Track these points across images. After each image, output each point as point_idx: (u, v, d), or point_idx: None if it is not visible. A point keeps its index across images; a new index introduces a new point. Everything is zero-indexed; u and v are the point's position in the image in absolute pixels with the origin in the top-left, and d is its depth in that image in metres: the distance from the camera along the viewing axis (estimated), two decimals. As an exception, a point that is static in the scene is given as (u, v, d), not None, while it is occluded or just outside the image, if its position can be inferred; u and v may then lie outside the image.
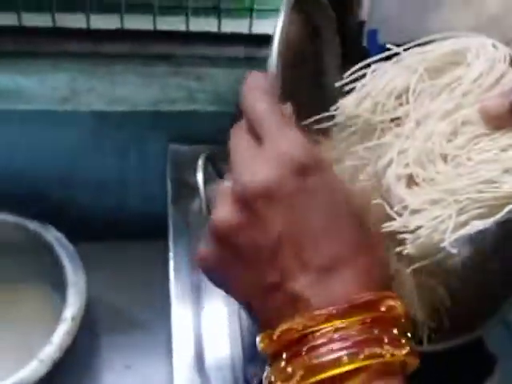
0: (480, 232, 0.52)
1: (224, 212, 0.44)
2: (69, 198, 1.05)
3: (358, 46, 0.98)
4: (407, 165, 0.55)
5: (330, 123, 0.60)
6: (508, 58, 0.57)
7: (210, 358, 0.70)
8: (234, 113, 0.77)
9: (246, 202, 0.44)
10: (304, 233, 0.44)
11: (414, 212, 0.54)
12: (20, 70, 0.95)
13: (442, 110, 0.56)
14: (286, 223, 0.44)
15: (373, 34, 1.00)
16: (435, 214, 0.53)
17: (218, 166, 0.68)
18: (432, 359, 0.59)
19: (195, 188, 0.72)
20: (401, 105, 0.59)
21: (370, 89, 0.59)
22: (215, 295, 0.76)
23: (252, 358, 0.69)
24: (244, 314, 0.72)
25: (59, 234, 0.94)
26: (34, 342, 0.85)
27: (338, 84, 0.60)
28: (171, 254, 0.80)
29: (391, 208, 0.55)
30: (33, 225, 0.94)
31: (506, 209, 0.51)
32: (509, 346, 0.75)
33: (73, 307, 0.85)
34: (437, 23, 0.96)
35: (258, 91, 0.49)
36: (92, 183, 1.03)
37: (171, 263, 0.79)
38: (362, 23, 0.99)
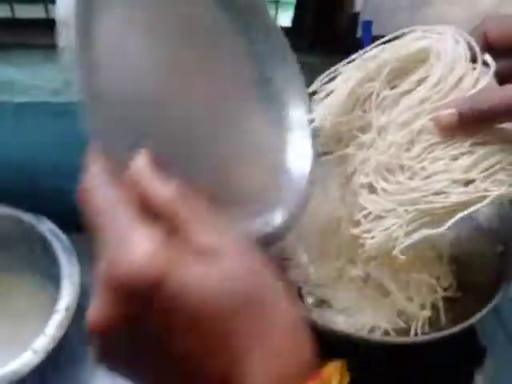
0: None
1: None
2: (63, 190, 1.07)
3: (352, 38, 1.01)
4: (367, 174, 0.60)
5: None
6: (469, 54, 0.60)
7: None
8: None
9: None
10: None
11: (374, 220, 0.60)
12: (12, 61, 0.98)
13: (400, 119, 0.60)
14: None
15: (367, 25, 1.02)
16: (389, 223, 0.58)
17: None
18: (422, 349, 0.64)
19: None
20: (364, 112, 0.63)
21: (334, 98, 0.63)
22: None
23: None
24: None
25: (53, 226, 0.96)
26: (28, 333, 0.86)
27: (311, 89, 0.65)
28: None
29: (356, 215, 0.61)
30: (27, 216, 0.96)
31: (452, 220, 0.57)
32: (499, 335, 0.78)
33: (66, 298, 0.87)
34: (430, 15, 0.98)
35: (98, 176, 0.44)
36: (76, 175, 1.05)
37: None
38: (356, 15, 1.01)
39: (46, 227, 0.94)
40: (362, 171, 0.61)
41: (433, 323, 0.71)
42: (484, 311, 0.62)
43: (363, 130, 0.63)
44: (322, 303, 0.74)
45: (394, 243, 0.58)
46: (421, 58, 0.62)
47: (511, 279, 0.64)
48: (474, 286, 0.67)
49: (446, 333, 0.63)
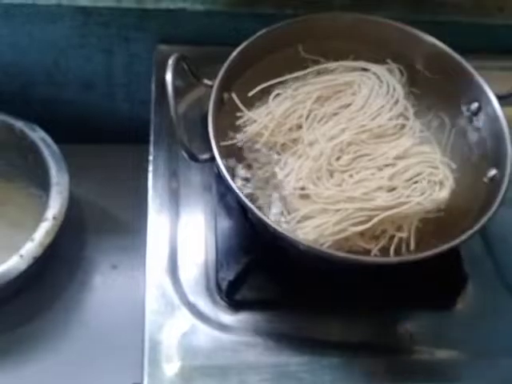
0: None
1: None
2: (54, 97, 1.09)
3: None
4: (300, 179, 0.69)
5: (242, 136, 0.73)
6: (391, 88, 0.75)
7: (183, 264, 0.76)
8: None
9: None
10: None
11: (305, 218, 0.68)
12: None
13: (330, 132, 0.71)
14: None
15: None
16: (320, 222, 0.66)
17: (194, 66, 0.74)
18: (404, 270, 0.70)
19: (181, 91, 0.79)
20: (299, 127, 0.73)
21: (273, 113, 0.73)
22: (193, 201, 0.81)
23: (224, 263, 0.74)
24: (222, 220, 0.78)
25: (45, 134, 0.97)
26: (19, 240, 0.88)
27: (250, 94, 0.74)
28: (151, 158, 0.83)
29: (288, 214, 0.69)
30: (18, 124, 0.97)
31: (376, 219, 0.66)
32: (487, 265, 0.81)
33: (55, 207, 0.90)
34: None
35: None
36: (77, 83, 1.07)
37: (150, 168, 0.83)
38: None
39: (38, 135, 0.96)
40: (295, 177, 0.69)
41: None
42: (465, 236, 0.65)
43: (297, 142, 0.72)
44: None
45: (326, 239, 0.66)
46: (345, 89, 0.75)
47: (499, 206, 0.67)
48: (462, 211, 0.70)
49: (424, 254, 0.65)
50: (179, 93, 0.84)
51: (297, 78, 0.78)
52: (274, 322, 0.74)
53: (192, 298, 0.74)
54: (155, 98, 0.90)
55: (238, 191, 0.64)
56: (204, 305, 0.74)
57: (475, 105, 0.77)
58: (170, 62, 0.67)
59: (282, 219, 0.68)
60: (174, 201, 0.82)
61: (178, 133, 0.64)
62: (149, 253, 0.77)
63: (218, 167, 0.66)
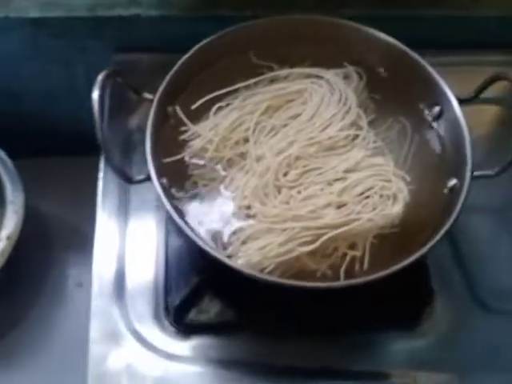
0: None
1: None
2: (14, 110, 1.08)
3: None
4: (246, 197, 0.66)
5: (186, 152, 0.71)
6: (344, 96, 0.72)
7: (131, 286, 0.74)
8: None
9: None
10: None
11: (250, 239, 0.65)
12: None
13: (278, 146, 0.68)
14: None
15: None
16: (264, 243, 0.64)
17: (129, 80, 0.72)
18: (366, 288, 0.65)
19: (136, 103, 0.79)
20: (246, 141, 0.70)
21: (218, 126, 0.71)
22: (144, 218, 0.79)
23: (174, 285, 0.73)
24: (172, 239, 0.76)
25: None
26: None
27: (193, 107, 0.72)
28: (101, 174, 0.82)
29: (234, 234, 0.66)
30: None
31: (323, 238, 0.64)
32: (457, 278, 0.78)
33: (9, 226, 0.89)
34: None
35: None
36: (37, 95, 1.06)
37: (100, 182, 0.81)
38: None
39: (-8, 152, 0.88)
40: (241, 194, 0.67)
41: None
42: (416, 256, 0.63)
43: (244, 156, 0.70)
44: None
45: (270, 261, 0.63)
46: (296, 98, 0.73)
47: (456, 219, 0.66)
48: (420, 224, 0.68)
49: (371, 277, 0.63)
50: (132, 105, 0.84)
51: (248, 87, 0.75)
52: (227, 348, 0.72)
53: (139, 325, 0.72)
54: (107, 111, 0.86)
55: (173, 213, 0.62)
56: (152, 331, 0.72)
57: (437, 109, 0.75)
58: (100, 78, 0.65)
59: (226, 239, 0.66)
60: (124, 219, 0.80)
61: (105, 154, 0.61)
62: (95, 276, 0.75)
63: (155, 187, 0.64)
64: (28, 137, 1.06)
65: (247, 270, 0.60)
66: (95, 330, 0.72)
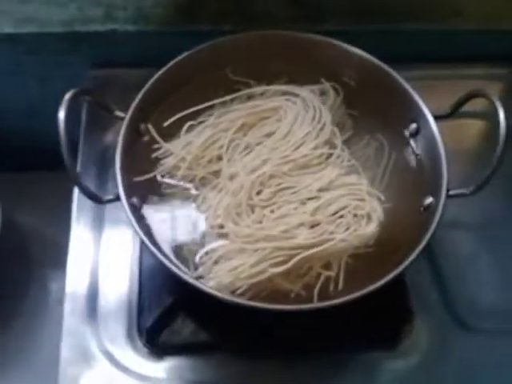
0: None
1: None
2: None
3: None
4: (219, 216, 0.66)
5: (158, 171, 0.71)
6: (318, 114, 0.72)
7: (103, 305, 0.73)
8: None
9: None
10: None
11: (222, 259, 0.65)
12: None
13: (252, 164, 0.68)
14: None
15: None
16: (236, 264, 0.63)
17: (107, 95, 0.72)
18: (349, 307, 0.63)
19: (113, 118, 0.74)
20: (220, 159, 0.70)
21: (191, 144, 0.71)
22: (119, 235, 0.78)
23: (147, 304, 0.71)
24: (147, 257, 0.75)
25: None
26: None
27: (166, 124, 0.72)
28: (76, 189, 0.79)
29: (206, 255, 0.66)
30: None
31: (296, 258, 0.63)
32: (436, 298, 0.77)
33: None
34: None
35: None
36: (17, 111, 1.06)
37: (75, 198, 0.80)
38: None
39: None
40: (213, 213, 0.66)
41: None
42: (388, 278, 0.62)
43: (217, 174, 0.69)
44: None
45: (242, 282, 0.63)
46: (271, 115, 0.73)
47: (430, 239, 0.65)
48: (396, 244, 0.67)
49: (341, 300, 0.62)
50: (109, 121, 0.83)
51: (224, 104, 0.75)
52: (201, 369, 0.70)
53: (111, 345, 0.71)
54: (84, 127, 0.88)
55: (141, 235, 0.61)
56: (125, 352, 0.71)
57: (413, 126, 0.74)
58: (66, 98, 0.64)
59: (197, 260, 0.65)
60: (98, 235, 0.79)
61: (72, 174, 0.60)
62: (67, 295, 0.74)
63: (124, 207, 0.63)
64: (7, 152, 1.06)
65: (216, 293, 0.59)
66: (67, 350, 0.71)
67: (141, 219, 0.66)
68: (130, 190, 0.66)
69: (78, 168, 0.84)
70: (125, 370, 0.70)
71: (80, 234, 0.79)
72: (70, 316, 0.73)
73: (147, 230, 0.65)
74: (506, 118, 0.66)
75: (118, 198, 0.63)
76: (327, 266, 0.66)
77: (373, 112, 0.77)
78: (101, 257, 0.77)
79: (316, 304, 0.61)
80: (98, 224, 0.79)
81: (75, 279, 0.76)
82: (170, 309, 0.71)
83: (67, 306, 0.74)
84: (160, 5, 0.90)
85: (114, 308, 0.74)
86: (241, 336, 0.72)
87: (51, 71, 0.99)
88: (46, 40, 0.93)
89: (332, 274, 0.66)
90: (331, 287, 0.65)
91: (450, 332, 0.76)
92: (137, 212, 0.65)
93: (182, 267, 0.63)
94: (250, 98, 0.76)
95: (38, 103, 1.06)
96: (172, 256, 0.64)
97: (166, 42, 0.92)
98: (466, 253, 0.82)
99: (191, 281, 0.60)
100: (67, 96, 0.64)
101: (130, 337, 0.72)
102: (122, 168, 0.66)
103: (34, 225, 1.08)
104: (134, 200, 0.66)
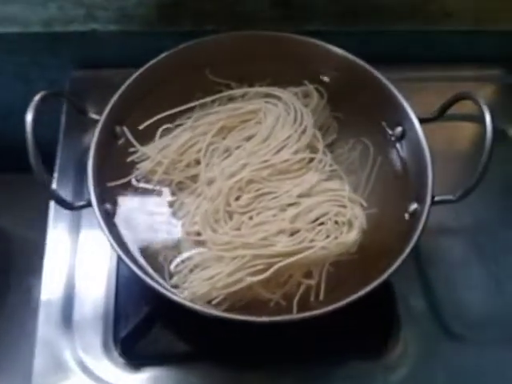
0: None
1: None
2: None
3: None
4: (196, 223, 0.64)
5: (133, 175, 0.68)
6: (299, 116, 0.70)
7: (79, 314, 0.71)
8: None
9: None
10: None
11: (198, 267, 0.63)
12: None
13: (230, 169, 0.66)
14: None
15: None
16: (213, 273, 0.61)
17: (76, 101, 0.70)
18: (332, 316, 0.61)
19: (93, 121, 0.72)
20: (198, 163, 0.68)
21: (168, 148, 0.69)
22: (96, 242, 0.76)
23: (123, 314, 0.70)
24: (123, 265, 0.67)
25: None
26: None
27: (141, 127, 0.70)
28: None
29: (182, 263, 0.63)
30: None
31: (275, 267, 0.61)
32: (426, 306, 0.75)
33: None
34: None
35: None
36: None
37: (52, 202, 0.78)
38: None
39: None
40: (190, 220, 0.64)
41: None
42: (381, 279, 0.61)
43: (195, 179, 0.67)
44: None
45: (218, 292, 0.61)
46: (250, 118, 0.71)
47: (414, 247, 0.63)
48: (380, 251, 0.66)
49: (319, 312, 0.60)
50: (88, 123, 0.80)
51: (204, 106, 0.73)
52: (178, 380, 0.68)
53: (86, 356, 0.69)
54: (64, 130, 0.86)
55: (113, 243, 0.59)
56: (100, 363, 0.68)
57: (399, 129, 0.72)
58: (35, 99, 0.62)
59: (173, 268, 0.63)
60: (75, 241, 0.76)
61: (39, 178, 0.58)
62: (42, 303, 0.72)
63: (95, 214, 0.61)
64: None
65: (188, 303, 0.57)
66: (40, 360, 0.68)
67: (114, 226, 0.63)
68: (103, 196, 0.64)
69: (56, 172, 0.82)
70: (100, 381, 0.68)
71: (56, 239, 0.76)
72: (45, 325, 0.71)
73: (120, 238, 0.63)
74: (494, 121, 0.63)
75: (89, 204, 0.61)
76: (308, 275, 0.64)
77: (358, 115, 0.75)
78: (77, 263, 0.75)
79: (291, 316, 0.59)
80: (76, 229, 0.77)
81: (50, 286, 0.73)
82: (147, 318, 0.69)
83: (42, 315, 0.71)
84: (142, 5, 0.88)
85: (89, 316, 0.72)
86: (220, 346, 0.70)
87: (33, 72, 0.98)
88: (25, 40, 0.91)
89: (313, 282, 0.63)
90: (312, 297, 0.63)
91: (439, 342, 0.73)
92: (110, 218, 0.63)
93: (156, 276, 0.61)
94: (230, 100, 0.74)
95: (20, 104, 1.04)
96: (146, 264, 0.62)
97: (148, 42, 0.90)
98: (455, 259, 0.79)
99: (162, 291, 0.57)
100: (36, 98, 0.62)
101: (106, 347, 0.70)
102: (95, 172, 0.63)
103: (13, 229, 1.07)
104: (108, 206, 0.64)
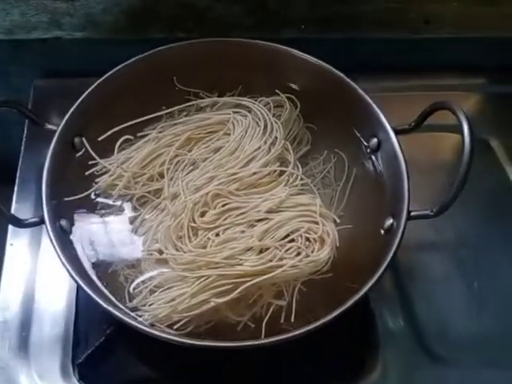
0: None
1: None
2: None
3: None
4: (157, 240, 0.60)
5: (92, 189, 0.65)
6: (269, 128, 0.67)
7: (36, 336, 0.67)
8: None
9: None
10: None
11: (160, 288, 0.59)
12: None
13: (195, 183, 0.62)
14: None
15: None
16: (174, 294, 0.58)
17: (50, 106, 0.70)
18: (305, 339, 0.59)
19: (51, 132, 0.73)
20: (161, 176, 0.64)
21: (129, 160, 0.65)
22: (55, 258, 0.62)
23: (83, 335, 0.66)
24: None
25: None
26: None
27: (100, 138, 0.66)
28: (15, 205, 0.76)
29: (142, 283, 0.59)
30: None
31: (241, 287, 0.57)
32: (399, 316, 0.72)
33: None
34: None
35: None
36: None
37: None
38: None
39: None
40: (152, 237, 0.61)
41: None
42: (355, 299, 0.58)
43: (158, 194, 0.64)
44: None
45: (180, 315, 0.57)
46: (218, 129, 0.67)
47: (388, 265, 0.60)
48: (355, 269, 0.63)
49: (284, 336, 0.56)
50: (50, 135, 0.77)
51: (170, 116, 0.69)
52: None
53: (43, 382, 0.65)
54: (25, 141, 0.82)
55: (66, 264, 0.55)
56: (57, 390, 0.64)
57: (374, 140, 0.69)
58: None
59: (132, 289, 0.59)
60: (34, 259, 0.72)
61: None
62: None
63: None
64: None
65: (146, 328, 0.53)
66: (-7, 386, 0.64)
67: (70, 244, 0.60)
68: (58, 211, 0.60)
69: (16, 185, 0.78)
70: (57, 411, 0.63)
71: (15, 256, 0.72)
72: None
73: (76, 256, 0.59)
74: (475, 131, 0.60)
75: (42, 221, 0.57)
76: (278, 295, 0.60)
77: (332, 125, 0.72)
78: (37, 281, 0.71)
79: (259, 341, 0.55)
80: (36, 246, 0.73)
81: (6, 307, 0.69)
82: (107, 340, 0.65)
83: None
84: (110, 11, 0.85)
85: (47, 338, 0.68)
86: (185, 372, 0.66)
87: (-3, 80, 0.93)
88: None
89: (283, 303, 0.60)
90: (282, 318, 0.59)
91: (419, 363, 0.70)
92: (66, 235, 0.59)
93: (113, 299, 0.57)
94: (198, 110, 0.70)
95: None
96: (102, 286, 0.58)
97: (116, 50, 0.86)
98: (435, 276, 0.77)
99: (118, 314, 0.53)
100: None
101: (64, 372, 0.66)
102: (51, 186, 0.60)
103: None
104: (63, 222, 0.60)
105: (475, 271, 0.77)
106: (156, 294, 0.59)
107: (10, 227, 0.74)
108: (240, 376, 0.66)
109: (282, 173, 0.64)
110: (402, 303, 0.74)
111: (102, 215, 0.64)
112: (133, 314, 0.57)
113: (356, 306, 0.58)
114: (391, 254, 0.59)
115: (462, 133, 0.58)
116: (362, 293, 0.58)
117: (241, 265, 0.58)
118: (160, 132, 0.67)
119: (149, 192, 0.64)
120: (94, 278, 0.58)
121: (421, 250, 0.77)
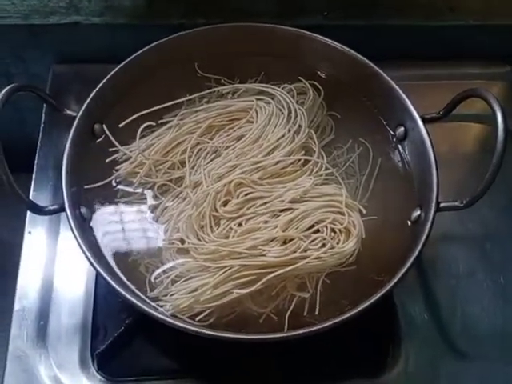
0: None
1: None
2: None
3: None
4: (179, 229, 0.59)
5: (112, 177, 0.64)
6: (293, 115, 0.65)
7: (55, 327, 0.67)
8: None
9: None
10: None
11: (181, 278, 0.58)
12: None
13: (217, 171, 0.61)
14: None
15: None
16: (196, 285, 0.57)
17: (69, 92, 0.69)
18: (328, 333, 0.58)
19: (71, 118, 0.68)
20: (183, 164, 0.63)
21: (151, 148, 0.64)
22: (73, 244, 0.62)
23: (102, 325, 0.65)
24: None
25: None
26: None
27: (121, 125, 0.64)
28: (32, 193, 0.75)
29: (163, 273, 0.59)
30: None
31: (265, 279, 0.56)
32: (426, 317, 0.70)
33: None
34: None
35: None
36: None
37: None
38: None
39: None
40: (174, 226, 0.60)
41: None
42: (381, 293, 0.57)
43: (180, 182, 0.63)
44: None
45: (202, 306, 0.56)
46: (240, 117, 0.66)
47: (417, 257, 0.59)
48: (381, 262, 0.62)
49: (306, 330, 0.55)
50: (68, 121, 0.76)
51: (190, 103, 0.68)
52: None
53: (61, 372, 0.64)
54: (43, 128, 0.81)
55: (86, 252, 0.54)
56: (76, 379, 0.63)
57: (401, 129, 0.68)
58: (1, 93, 0.56)
59: (153, 279, 0.58)
60: (53, 247, 0.71)
61: (6, 180, 0.53)
62: (15, 314, 0.67)
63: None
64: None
65: (167, 319, 0.53)
66: (11, 377, 0.64)
67: (90, 232, 0.59)
68: (79, 199, 0.59)
69: (34, 172, 0.77)
70: (76, 400, 0.62)
71: (33, 243, 0.71)
72: (17, 338, 0.66)
73: (96, 245, 0.58)
74: (506, 121, 0.58)
75: (62, 209, 0.56)
76: (302, 287, 0.59)
77: (357, 114, 0.71)
78: (55, 270, 0.70)
79: (282, 334, 0.54)
80: (54, 233, 0.72)
81: (25, 295, 0.68)
82: (126, 331, 0.64)
83: (14, 327, 0.66)
84: (128, -4, 0.84)
85: (66, 329, 0.67)
86: (204, 363, 0.65)
87: (13, 66, 0.94)
88: (4, 33, 0.87)
89: (307, 295, 0.58)
90: (306, 311, 0.58)
91: (443, 359, 0.69)
92: (86, 223, 0.58)
93: (134, 288, 0.56)
94: (220, 97, 0.69)
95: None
96: (123, 275, 0.57)
97: (135, 35, 0.86)
98: (460, 270, 0.75)
99: (139, 304, 0.52)
100: (2, 92, 0.56)
101: (82, 362, 0.65)
102: (71, 174, 0.59)
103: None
104: (83, 210, 0.60)
105: (501, 265, 0.75)
106: (177, 284, 0.58)
107: (28, 215, 0.73)
108: (260, 368, 0.65)
109: (306, 162, 0.63)
110: (425, 296, 0.72)
111: (122, 203, 0.63)
112: (154, 304, 0.56)
113: (379, 301, 0.57)
114: (420, 246, 0.58)
115: (495, 122, 0.57)
116: (390, 286, 0.57)
117: (264, 255, 0.57)
118: (181, 119, 0.65)
119: (170, 180, 0.63)
120: (114, 266, 0.58)
121: (445, 243, 0.75)
